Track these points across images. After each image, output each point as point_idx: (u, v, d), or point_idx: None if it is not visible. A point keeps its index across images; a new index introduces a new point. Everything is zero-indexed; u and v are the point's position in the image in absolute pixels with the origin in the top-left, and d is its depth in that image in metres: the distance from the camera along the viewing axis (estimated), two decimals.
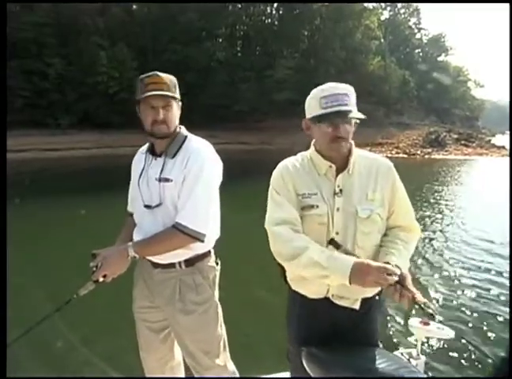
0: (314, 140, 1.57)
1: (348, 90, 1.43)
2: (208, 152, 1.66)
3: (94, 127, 28.23)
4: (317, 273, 1.36)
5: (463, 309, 4.27)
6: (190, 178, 1.59)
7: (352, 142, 1.53)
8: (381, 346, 1.64)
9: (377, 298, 1.59)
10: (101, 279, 1.55)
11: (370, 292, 1.54)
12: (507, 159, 25.05)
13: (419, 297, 1.30)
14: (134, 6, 34.01)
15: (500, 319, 4.02)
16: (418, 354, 2.01)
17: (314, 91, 1.48)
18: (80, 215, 8.20)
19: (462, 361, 3.05)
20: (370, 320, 1.60)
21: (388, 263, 1.36)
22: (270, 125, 32.61)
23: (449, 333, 1.87)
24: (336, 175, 1.50)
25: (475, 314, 4.13)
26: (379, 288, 1.50)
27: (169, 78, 1.61)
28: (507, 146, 29.82)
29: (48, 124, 27.09)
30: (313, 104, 1.46)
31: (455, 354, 3.21)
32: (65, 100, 28.70)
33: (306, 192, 1.50)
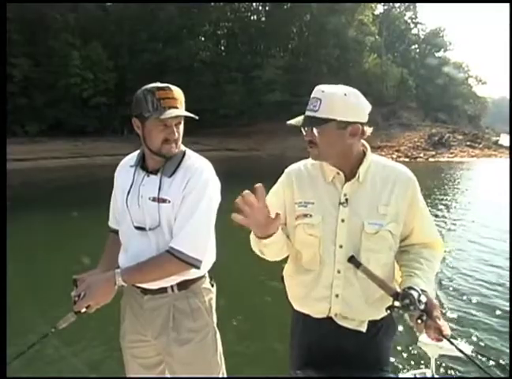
0: None
1: (322, 94, 1.41)
2: (210, 173, 1.63)
3: (67, 134, 27.95)
4: (261, 254, 1.51)
5: (462, 308, 4.40)
6: (191, 199, 1.55)
7: (368, 147, 1.53)
8: (388, 369, 1.61)
9: (385, 319, 1.55)
10: (83, 310, 1.49)
11: (378, 314, 1.51)
12: None
13: (446, 329, 1.27)
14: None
15: (500, 318, 4.14)
16: (433, 375, 1.97)
17: None
18: (72, 216, 8.60)
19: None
20: (378, 344, 1.57)
21: (412, 288, 1.32)
22: (259, 130, 32.66)
23: (466, 349, 1.76)
24: (345, 183, 1.48)
25: (475, 315, 4.24)
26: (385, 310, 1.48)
27: (179, 92, 1.56)
28: None
29: (14, 131, 26.77)
30: None
31: (472, 369, 3.14)
32: (32, 105, 28.45)
33: (303, 200, 1.51)
